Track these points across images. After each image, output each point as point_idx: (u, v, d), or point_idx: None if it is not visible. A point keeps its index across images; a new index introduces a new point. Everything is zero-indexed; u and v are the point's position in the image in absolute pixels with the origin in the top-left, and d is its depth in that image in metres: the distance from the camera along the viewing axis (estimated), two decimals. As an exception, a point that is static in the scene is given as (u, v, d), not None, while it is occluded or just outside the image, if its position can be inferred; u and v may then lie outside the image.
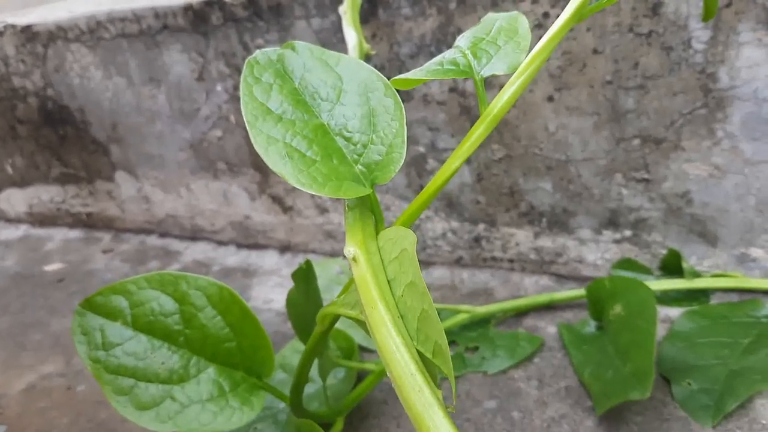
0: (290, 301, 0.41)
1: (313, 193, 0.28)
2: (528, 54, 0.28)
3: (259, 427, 0.46)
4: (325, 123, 0.31)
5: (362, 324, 0.29)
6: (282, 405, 0.47)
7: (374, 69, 0.31)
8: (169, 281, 0.38)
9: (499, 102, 0.28)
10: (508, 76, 0.30)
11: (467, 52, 0.30)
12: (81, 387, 0.54)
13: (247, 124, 0.29)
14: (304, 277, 0.40)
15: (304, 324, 0.41)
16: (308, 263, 0.39)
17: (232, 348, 0.38)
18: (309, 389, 0.47)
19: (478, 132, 0.28)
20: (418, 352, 0.24)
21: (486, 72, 0.29)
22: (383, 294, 0.26)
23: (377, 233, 0.29)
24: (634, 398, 0.38)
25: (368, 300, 0.26)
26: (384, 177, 0.30)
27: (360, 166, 0.30)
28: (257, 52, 0.32)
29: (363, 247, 0.28)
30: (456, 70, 0.29)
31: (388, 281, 0.27)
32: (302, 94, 0.31)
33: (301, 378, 0.37)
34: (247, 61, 0.31)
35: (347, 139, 0.31)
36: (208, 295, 0.38)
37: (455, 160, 0.29)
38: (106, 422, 0.49)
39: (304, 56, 0.32)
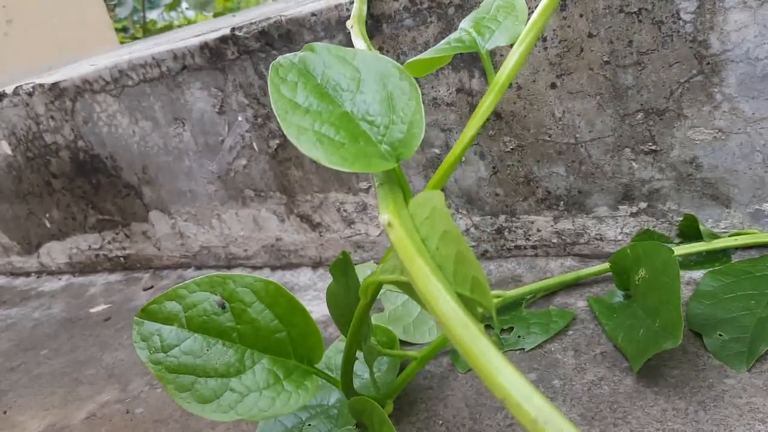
0: (330, 294, 0.43)
1: (346, 170, 0.31)
2: (526, 24, 0.31)
3: (312, 423, 0.48)
4: (349, 111, 0.34)
5: (404, 286, 0.32)
6: (333, 400, 0.49)
7: (388, 58, 0.34)
8: (217, 282, 0.41)
9: (505, 70, 0.31)
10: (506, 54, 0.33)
11: (471, 30, 0.33)
12: (139, 410, 0.56)
13: (278, 118, 0.32)
14: (342, 268, 0.42)
15: (345, 315, 0.44)
16: (345, 254, 0.42)
17: (282, 338, 0.40)
18: (356, 383, 0.49)
19: (489, 99, 0.31)
20: (459, 295, 0.27)
21: (490, 45, 0.32)
22: (419, 249, 0.28)
23: (406, 204, 0.32)
24: (667, 348, 0.40)
25: (406, 255, 0.28)
26: (407, 152, 0.33)
27: (385, 146, 0.33)
28: (279, 57, 0.35)
29: (395, 213, 0.30)
30: (462, 46, 0.32)
31: (423, 241, 0.30)
32: (325, 88, 0.34)
33: (349, 357, 0.39)
34: (271, 65, 0.35)
35: (370, 123, 0.33)
36: (255, 290, 0.40)
37: (470, 129, 0.32)
38: (167, 437, 0.52)
39: (323, 55, 0.35)
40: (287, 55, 0.36)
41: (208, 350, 0.40)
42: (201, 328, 0.40)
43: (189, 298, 0.40)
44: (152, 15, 3.77)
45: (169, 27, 3.49)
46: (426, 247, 0.29)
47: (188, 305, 0.40)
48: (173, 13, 3.89)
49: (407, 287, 0.31)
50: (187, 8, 3.89)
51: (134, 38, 3.40)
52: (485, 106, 0.32)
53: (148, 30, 3.46)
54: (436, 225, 0.28)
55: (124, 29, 3.53)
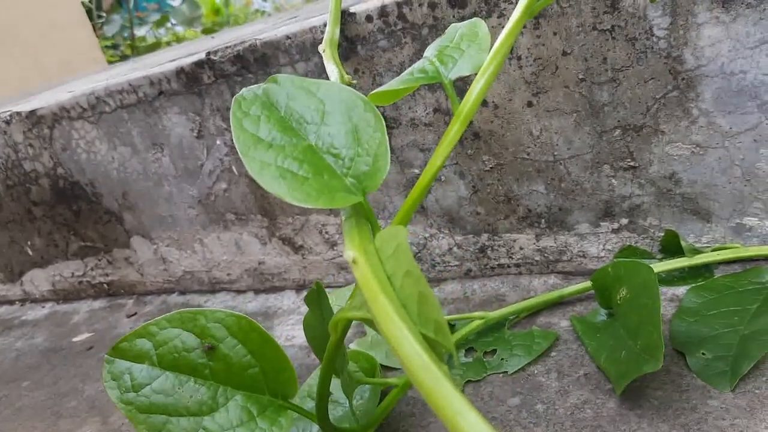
0: (307, 325, 0.43)
1: (309, 206, 0.30)
2: (489, 53, 0.31)
3: (293, 455, 0.47)
4: (313, 144, 0.33)
5: (370, 323, 0.31)
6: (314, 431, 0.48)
7: (352, 89, 0.33)
8: (188, 318, 0.40)
9: (470, 99, 0.30)
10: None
11: (434, 59, 0.32)
12: (119, 443, 0.55)
13: (240, 154, 0.32)
14: (316, 299, 0.41)
15: (322, 345, 0.43)
16: (318, 285, 0.41)
17: (255, 374, 0.39)
18: (337, 412, 0.48)
19: (455, 129, 0.30)
20: (422, 335, 0.26)
21: (453, 75, 0.32)
22: (383, 287, 0.28)
23: (374, 237, 0.31)
24: (647, 371, 0.40)
25: (370, 294, 0.27)
26: (373, 185, 0.32)
27: (350, 179, 0.32)
28: (243, 90, 0.35)
29: (361, 250, 0.30)
30: (425, 77, 0.32)
31: (388, 277, 0.29)
32: (289, 120, 0.34)
33: (323, 390, 0.38)
34: (234, 98, 0.34)
35: (335, 156, 0.33)
36: (227, 326, 0.39)
37: (437, 159, 0.31)
38: (147, 472, 0.51)
39: (286, 87, 0.35)
40: (251, 87, 0.35)
41: (180, 388, 0.39)
42: (172, 365, 0.39)
43: (160, 335, 0.40)
44: (141, 32, 3.77)
45: (157, 44, 3.50)
46: (392, 284, 0.28)
47: (159, 342, 0.39)
48: (162, 30, 3.89)
49: (375, 324, 0.30)
50: (175, 24, 3.90)
51: (124, 55, 3.41)
52: (450, 136, 0.31)
53: (137, 47, 3.46)
54: (400, 263, 0.28)
55: (114, 46, 3.53)
